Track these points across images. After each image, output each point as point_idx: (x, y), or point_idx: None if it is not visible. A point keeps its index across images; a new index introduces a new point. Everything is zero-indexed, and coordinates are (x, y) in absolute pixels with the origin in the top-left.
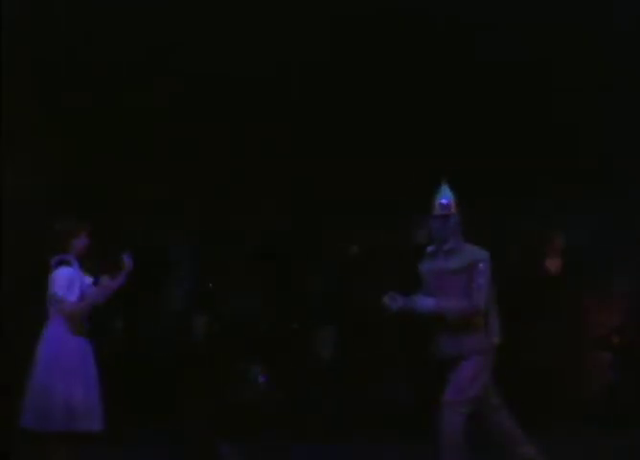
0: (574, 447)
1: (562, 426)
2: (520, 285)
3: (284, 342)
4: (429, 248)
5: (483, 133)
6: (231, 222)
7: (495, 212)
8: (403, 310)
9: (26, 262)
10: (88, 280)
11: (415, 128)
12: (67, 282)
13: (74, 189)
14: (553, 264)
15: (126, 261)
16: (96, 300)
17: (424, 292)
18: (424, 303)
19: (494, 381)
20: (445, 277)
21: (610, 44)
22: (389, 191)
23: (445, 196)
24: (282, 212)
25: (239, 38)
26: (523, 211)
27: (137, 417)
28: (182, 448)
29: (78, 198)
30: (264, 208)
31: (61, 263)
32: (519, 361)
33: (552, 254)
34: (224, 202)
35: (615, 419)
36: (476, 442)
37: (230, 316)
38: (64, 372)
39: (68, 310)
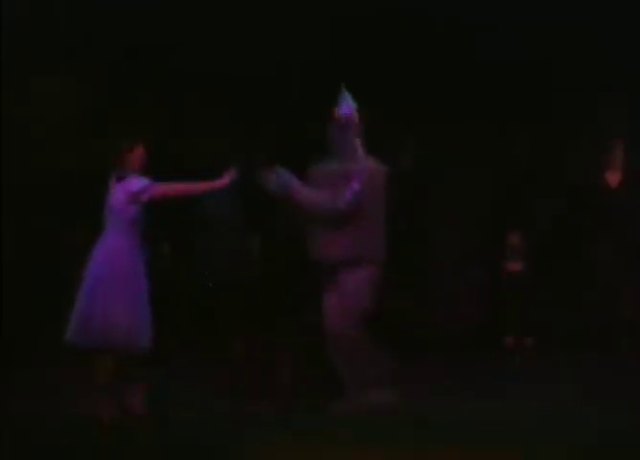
0: None
1: None
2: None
3: None
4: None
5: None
6: None
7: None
8: (280, 191)
9: None
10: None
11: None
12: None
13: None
14: (613, 177)
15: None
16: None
17: None
18: (300, 189)
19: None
20: (330, 179)
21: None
22: None
23: (347, 105)
24: None
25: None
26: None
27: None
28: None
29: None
30: None
31: (122, 177)
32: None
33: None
34: None
35: None
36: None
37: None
38: (108, 288)
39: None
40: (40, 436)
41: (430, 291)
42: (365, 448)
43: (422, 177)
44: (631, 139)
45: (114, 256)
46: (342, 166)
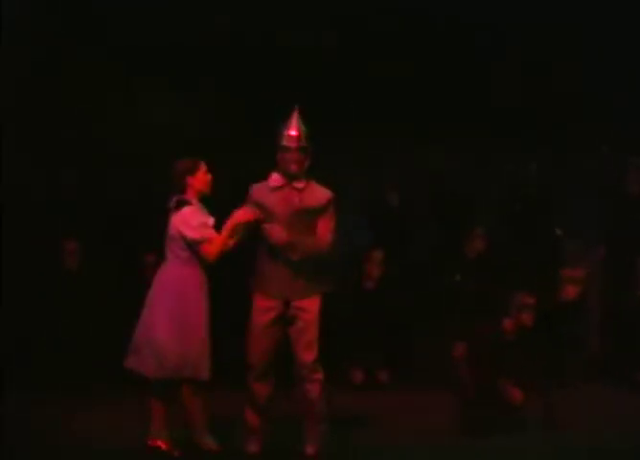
0: None
1: None
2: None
3: None
4: (273, 182)
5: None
6: None
7: None
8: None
9: None
10: (211, 220)
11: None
12: (195, 220)
13: None
14: None
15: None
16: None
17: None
18: (278, 233)
19: None
20: (300, 216)
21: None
22: None
23: (298, 126)
24: None
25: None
26: None
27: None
28: None
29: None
30: None
31: (180, 203)
32: None
33: None
34: None
35: None
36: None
37: None
38: (166, 317)
39: (211, 252)
40: None
41: None
42: None
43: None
44: None
45: (171, 286)
46: (307, 199)
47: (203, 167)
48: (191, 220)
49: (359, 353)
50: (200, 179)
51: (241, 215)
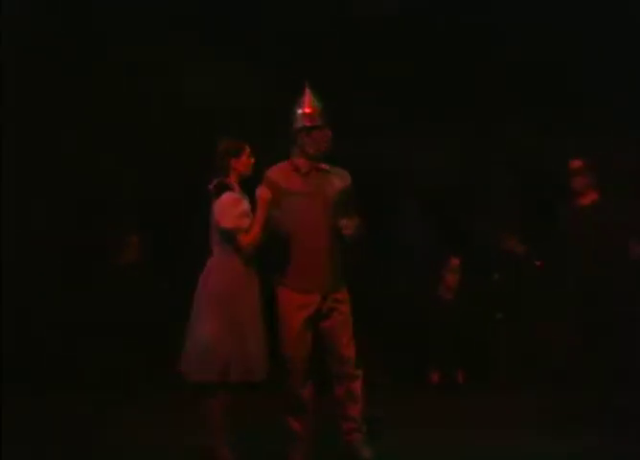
0: None
1: None
2: None
3: None
4: (301, 166)
5: None
6: None
7: None
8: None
9: None
10: (247, 205)
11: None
12: (234, 209)
13: None
14: None
15: None
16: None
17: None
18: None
19: None
20: (334, 199)
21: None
22: None
23: (316, 102)
24: None
25: None
26: None
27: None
28: None
29: None
30: None
31: (220, 187)
32: None
33: None
34: None
35: None
36: None
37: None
38: (213, 317)
39: (248, 243)
40: None
41: None
42: None
43: None
44: None
45: (215, 282)
46: (333, 181)
47: (247, 149)
48: (230, 209)
49: (436, 354)
50: (244, 162)
51: (265, 192)
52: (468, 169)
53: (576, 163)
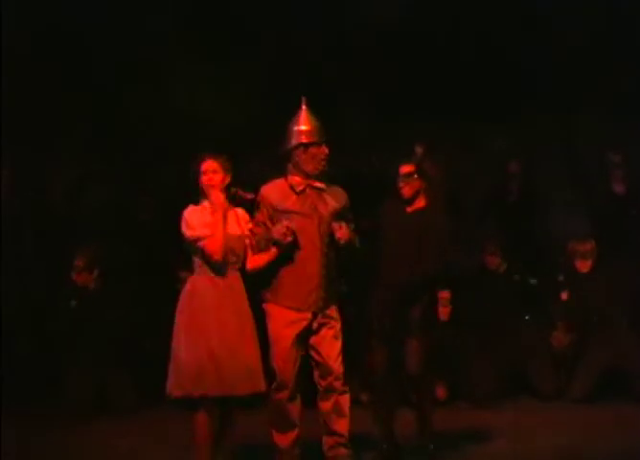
0: None
1: None
2: None
3: None
4: (296, 184)
5: None
6: None
7: None
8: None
9: None
10: (217, 215)
11: None
12: (191, 219)
13: None
14: None
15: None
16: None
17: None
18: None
19: None
20: (330, 218)
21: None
22: None
23: (314, 119)
24: None
25: None
26: None
27: None
28: None
29: None
30: None
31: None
32: None
33: None
34: None
35: None
36: None
37: None
38: (180, 330)
39: (209, 250)
40: None
41: None
42: None
43: None
44: None
45: (186, 297)
46: (329, 200)
47: (205, 163)
48: (187, 219)
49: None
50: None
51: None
52: None
53: (406, 168)
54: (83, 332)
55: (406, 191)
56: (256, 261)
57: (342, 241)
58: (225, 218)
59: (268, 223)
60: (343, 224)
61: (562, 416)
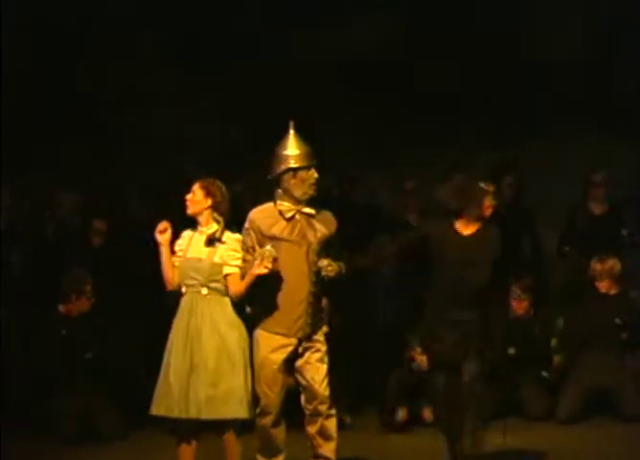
0: None
1: None
2: None
3: None
4: (285, 210)
5: None
6: None
7: None
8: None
9: None
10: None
11: None
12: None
13: None
14: None
15: None
16: None
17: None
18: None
19: None
20: (320, 245)
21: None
22: None
23: (303, 142)
24: None
25: None
26: None
27: None
28: None
29: None
30: None
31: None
32: None
33: None
34: None
35: None
36: None
37: None
38: (168, 350)
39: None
40: None
41: None
42: None
43: None
44: None
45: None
46: (318, 227)
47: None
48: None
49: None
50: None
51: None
52: None
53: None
54: (71, 360)
55: (487, 211)
56: (239, 285)
57: (328, 278)
58: (190, 242)
59: (257, 248)
60: (331, 264)
61: (549, 437)
